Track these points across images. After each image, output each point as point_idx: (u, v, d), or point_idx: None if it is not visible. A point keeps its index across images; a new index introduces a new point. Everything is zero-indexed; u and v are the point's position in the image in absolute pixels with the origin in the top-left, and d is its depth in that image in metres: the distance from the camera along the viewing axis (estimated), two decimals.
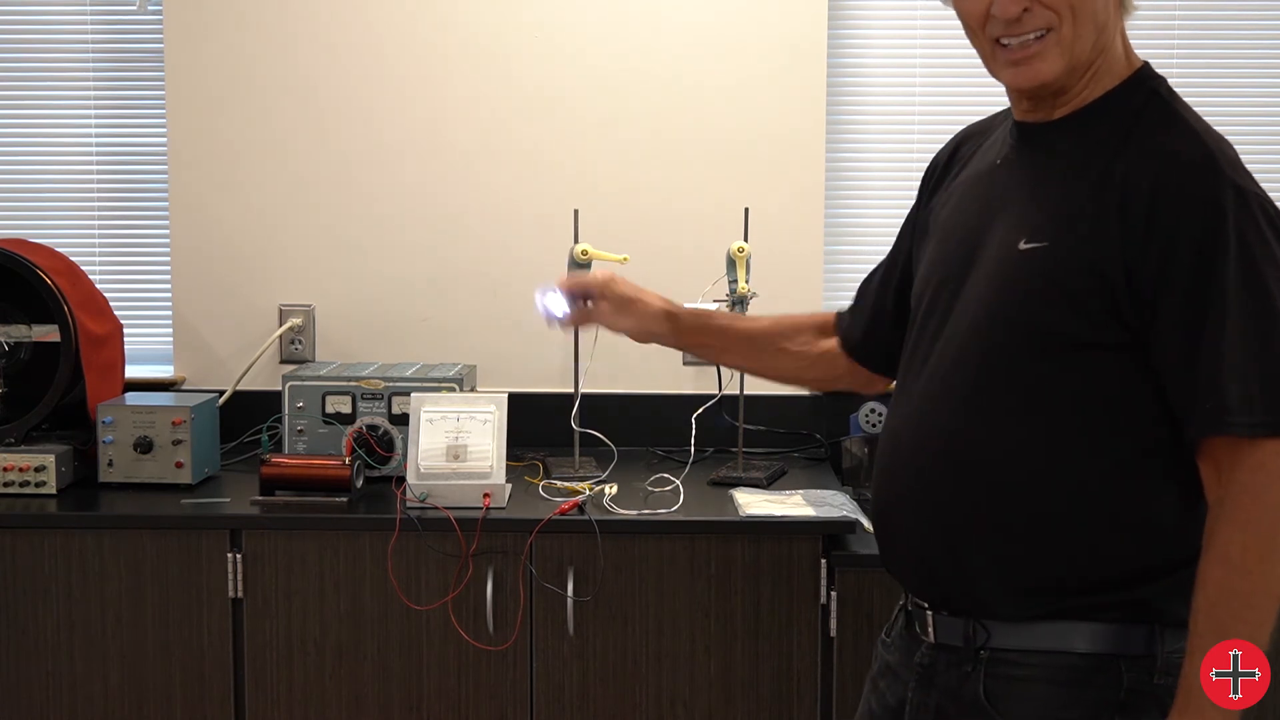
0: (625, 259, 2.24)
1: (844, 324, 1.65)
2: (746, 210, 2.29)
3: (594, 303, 1.64)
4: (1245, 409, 1.24)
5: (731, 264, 2.20)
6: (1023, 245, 1.34)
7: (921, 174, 1.60)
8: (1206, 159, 1.29)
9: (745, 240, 2.23)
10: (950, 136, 1.59)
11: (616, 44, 2.40)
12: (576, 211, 2.29)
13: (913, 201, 1.60)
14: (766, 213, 2.33)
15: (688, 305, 1.66)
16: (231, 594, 1.98)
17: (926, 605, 1.43)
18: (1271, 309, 1.25)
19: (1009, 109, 1.48)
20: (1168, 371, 1.29)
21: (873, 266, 1.67)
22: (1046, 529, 1.34)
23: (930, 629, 1.42)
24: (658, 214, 2.41)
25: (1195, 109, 1.36)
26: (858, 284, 1.68)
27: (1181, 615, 1.34)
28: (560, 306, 1.61)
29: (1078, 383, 1.33)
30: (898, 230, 1.61)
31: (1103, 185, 1.31)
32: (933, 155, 1.59)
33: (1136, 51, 1.39)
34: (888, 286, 1.60)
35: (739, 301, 2.20)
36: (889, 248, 1.63)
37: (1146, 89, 1.37)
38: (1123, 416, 1.32)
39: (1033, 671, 1.36)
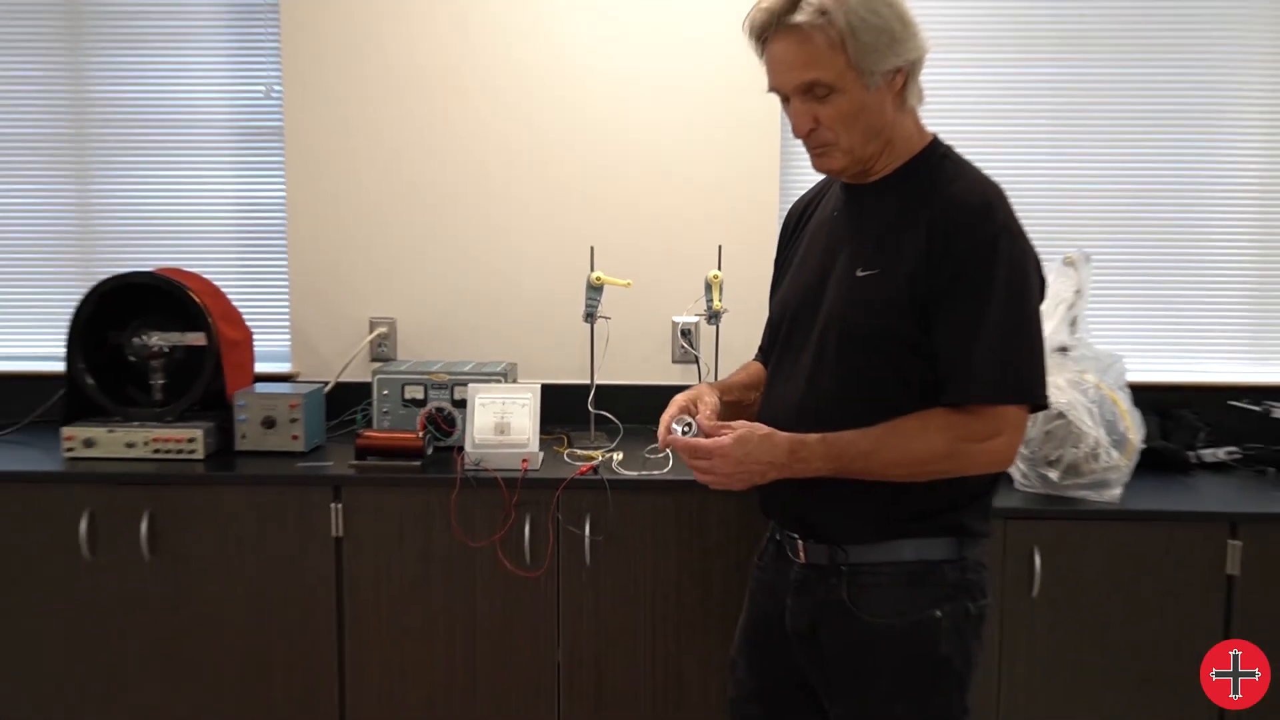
0: (629, 283, 2.27)
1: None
2: (720, 247, 2.32)
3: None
4: (992, 382, 1.32)
5: (709, 287, 2.23)
6: (859, 273, 1.39)
7: None
8: (987, 209, 1.34)
9: (719, 269, 2.26)
10: None
11: (627, 124, 2.41)
12: (592, 248, 2.32)
13: None
14: (734, 248, 2.35)
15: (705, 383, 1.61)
16: (334, 534, 2.00)
17: (798, 535, 1.46)
18: (1021, 318, 1.33)
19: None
20: (942, 353, 1.34)
21: None
22: (885, 480, 1.38)
23: (802, 553, 1.45)
24: (653, 249, 2.43)
25: (977, 165, 1.43)
26: None
27: (979, 529, 1.41)
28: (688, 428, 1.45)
29: (903, 368, 1.37)
30: None
31: (914, 228, 1.36)
32: None
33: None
34: None
35: (715, 315, 2.22)
36: None
37: (938, 155, 1.42)
38: (934, 392, 1.37)
39: (880, 578, 1.40)
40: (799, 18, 1.31)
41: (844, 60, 1.32)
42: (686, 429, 1.42)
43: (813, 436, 1.35)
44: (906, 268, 1.34)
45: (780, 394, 1.47)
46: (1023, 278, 1.33)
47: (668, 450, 2.10)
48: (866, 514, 1.40)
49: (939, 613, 1.39)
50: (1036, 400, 1.35)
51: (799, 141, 1.43)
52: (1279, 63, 2.40)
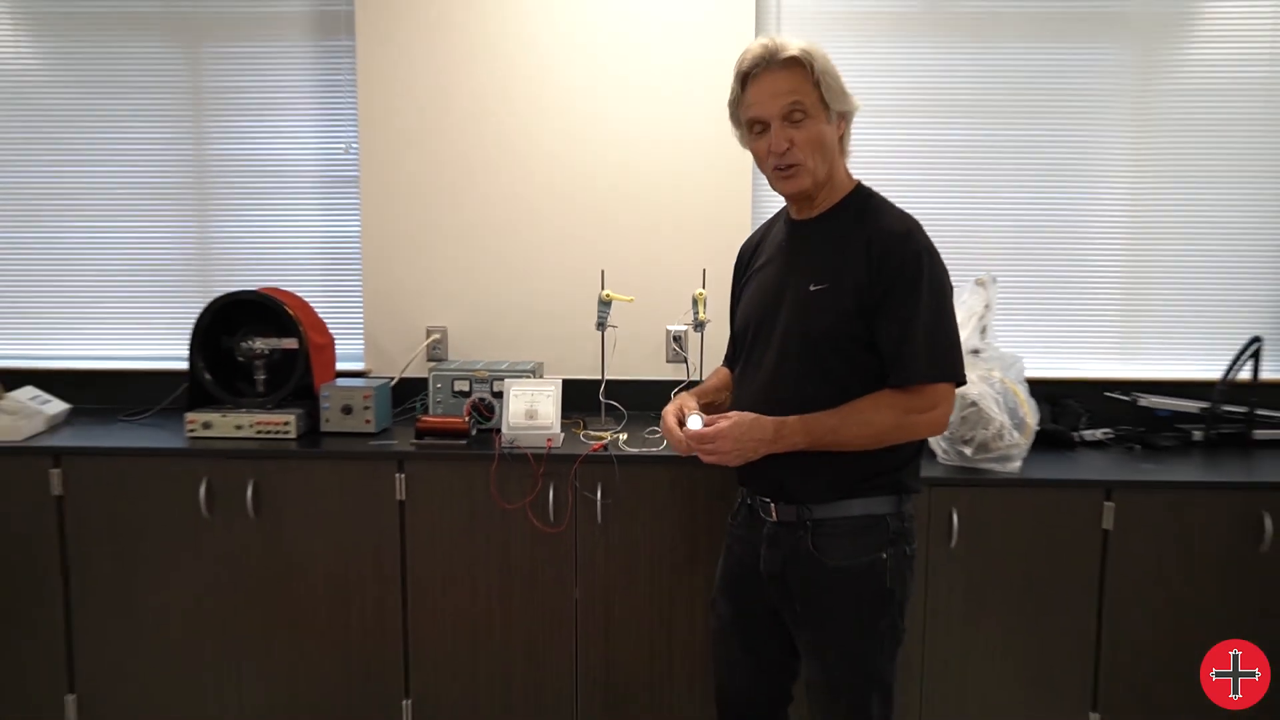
0: (632, 299, 2.26)
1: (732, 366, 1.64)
2: (704, 270, 2.29)
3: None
4: (927, 367, 1.34)
5: (695, 302, 2.21)
6: (812, 288, 1.39)
7: None
8: (908, 234, 1.36)
9: (703, 288, 2.24)
10: None
11: (632, 170, 2.39)
12: (603, 271, 2.30)
13: None
14: (715, 271, 2.32)
15: (690, 390, 1.62)
16: (398, 498, 1.98)
17: (770, 499, 1.45)
18: (943, 316, 1.35)
19: (775, 216, 1.55)
20: (885, 347, 1.35)
21: None
22: (841, 452, 1.37)
23: (774, 513, 1.44)
24: (651, 272, 2.40)
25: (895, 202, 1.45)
26: None
27: (913, 486, 1.41)
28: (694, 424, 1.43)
29: (851, 359, 1.37)
30: None
31: (853, 251, 1.37)
32: None
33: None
34: None
35: (700, 325, 2.20)
36: None
37: (864, 195, 1.43)
38: (878, 379, 1.37)
39: (838, 529, 1.40)
40: (790, 53, 1.35)
41: (817, 94, 1.36)
42: (694, 424, 1.42)
43: (792, 418, 1.36)
44: (850, 282, 1.35)
45: (750, 388, 1.45)
46: (941, 286, 1.35)
47: (664, 437, 2.10)
48: (826, 479, 1.39)
49: (884, 555, 1.38)
50: (960, 378, 1.37)
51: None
52: (1138, 129, 2.38)
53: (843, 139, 1.41)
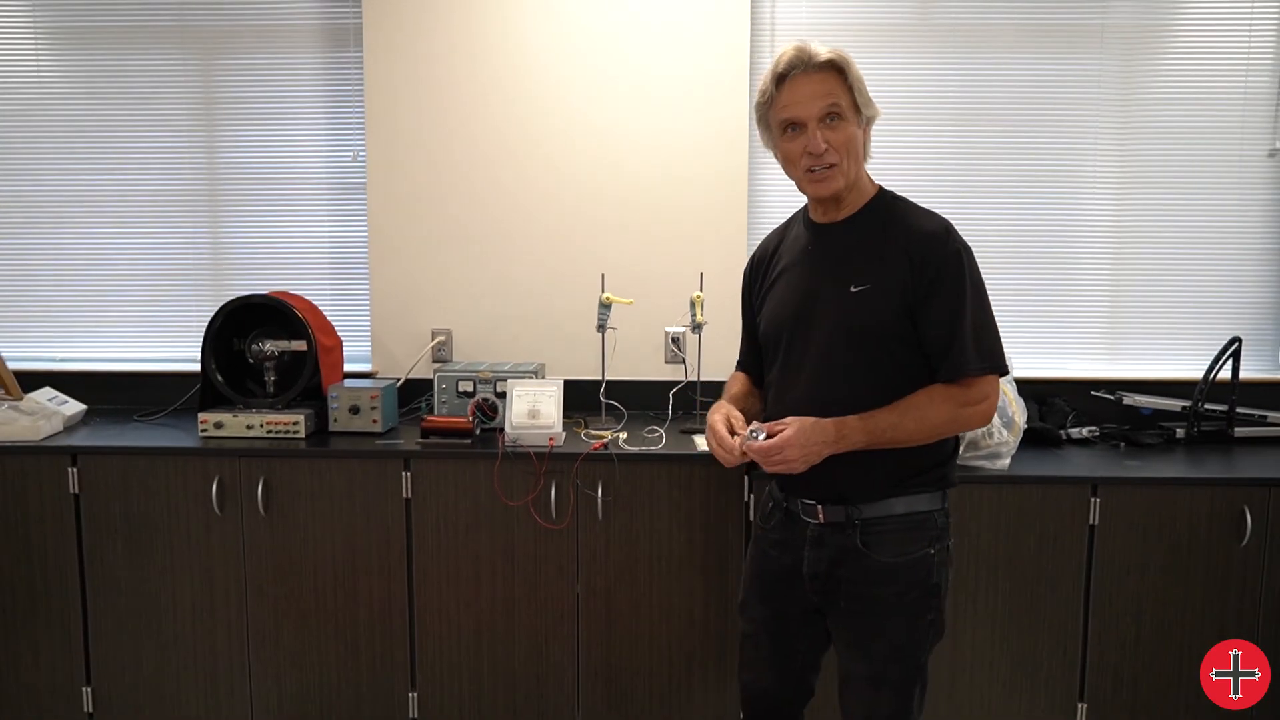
0: (631, 302, 2.26)
1: (754, 374, 1.61)
2: (701, 274, 2.30)
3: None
4: (976, 360, 1.34)
5: (693, 304, 2.21)
6: (853, 289, 1.37)
7: None
8: (945, 233, 1.35)
9: (700, 290, 2.24)
10: None
11: (632, 178, 2.39)
12: (603, 275, 2.31)
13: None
14: (711, 274, 2.33)
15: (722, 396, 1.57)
16: (404, 496, 1.98)
17: (815, 501, 1.41)
18: (985, 310, 1.36)
19: (788, 222, 1.53)
20: (933, 343, 1.35)
21: None
22: (891, 449, 1.36)
23: (821, 515, 1.41)
24: (649, 275, 2.40)
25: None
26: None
27: (954, 479, 1.40)
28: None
29: (897, 355, 1.36)
30: None
31: (889, 252, 1.35)
32: None
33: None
34: (754, 344, 1.58)
35: (697, 326, 2.20)
36: None
37: (889, 198, 1.42)
38: (922, 374, 1.36)
39: (886, 526, 1.38)
40: (827, 57, 1.35)
41: (850, 98, 1.35)
42: (755, 435, 1.36)
43: (850, 417, 1.33)
44: (892, 282, 1.34)
45: (794, 391, 1.42)
46: (980, 280, 1.35)
47: (662, 432, 2.11)
48: (879, 477, 1.37)
49: (932, 550, 1.38)
50: (1005, 370, 1.37)
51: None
52: (1121, 136, 2.39)
53: (865, 144, 1.40)
